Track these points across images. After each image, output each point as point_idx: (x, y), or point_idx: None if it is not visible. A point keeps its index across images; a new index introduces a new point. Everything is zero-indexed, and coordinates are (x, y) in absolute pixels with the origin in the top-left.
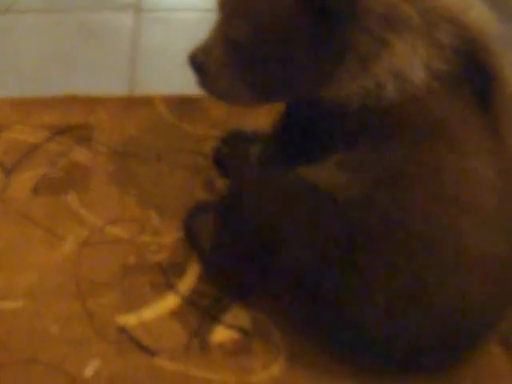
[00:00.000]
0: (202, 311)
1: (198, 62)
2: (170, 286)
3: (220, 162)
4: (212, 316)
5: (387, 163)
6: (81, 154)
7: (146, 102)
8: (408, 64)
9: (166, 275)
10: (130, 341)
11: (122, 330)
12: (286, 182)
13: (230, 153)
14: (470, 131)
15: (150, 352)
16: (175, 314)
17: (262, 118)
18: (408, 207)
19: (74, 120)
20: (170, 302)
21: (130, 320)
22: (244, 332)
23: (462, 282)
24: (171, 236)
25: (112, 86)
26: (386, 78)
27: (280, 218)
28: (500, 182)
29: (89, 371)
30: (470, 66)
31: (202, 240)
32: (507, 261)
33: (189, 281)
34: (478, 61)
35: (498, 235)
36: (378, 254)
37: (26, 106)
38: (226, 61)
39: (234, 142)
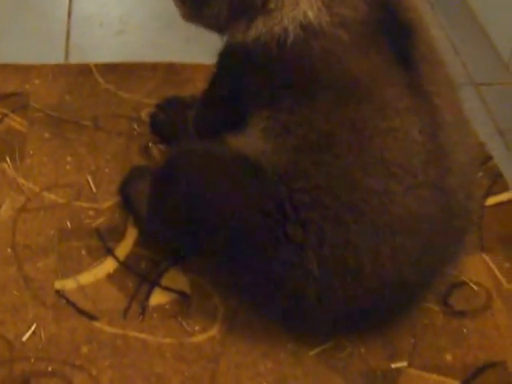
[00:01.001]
0: (140, 275)
1: None
2: (107, 251)
3: (156, 128)
4: (150, 279)
5: (309, 125)
6: (16, 122)
7: (82, 69)
8: (306, 6)
9: (102, 240)
10: (68, 305)
11: (60, 294)
12: (218, 153)
13: (166, 119)
14: (392, 89)
15: (88, 316)
16: (113, 278)
17: (199, 85)
18: (333, 172)
19: (9, 88)
20: (108, 266)
21: (67, 284)
22: (182, 294)
23: (393, 244)
24: (108, 201)
25: (48, 53)
26: (287, 21)
27: (211, 188)
28: (426, 142)
29: (26, 336)
30: (388, 21)
31: (138, 205)
32: (437, 220)
33: (126, 245)
34: (396, 15)
35: (426, 195)
36: (307, 222)
37: None
38: None
39: (171, 109)
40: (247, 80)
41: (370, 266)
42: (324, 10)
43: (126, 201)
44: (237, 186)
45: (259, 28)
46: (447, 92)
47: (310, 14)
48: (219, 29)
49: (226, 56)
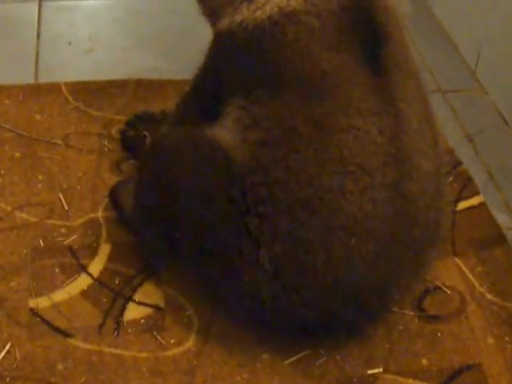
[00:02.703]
0: (114, 290)
1: None
2: (80, 268)
3: (127, 144)
4: (124, 295)
5: (275, 119)
6: None
7: (52, 88)
8: None
9: (76, 257)
10: (43, 323)
11: (34, 313)
12: (196, 139)
13: (136, 135)
14: (358, 89)
15: (63, 333)
16: (87, 295)
17: (169, 100)
18: (291, 168)
19: None
20: (82, 282)
21: (41, 303)
22: (157, 308)
23: (346, 244)
24: (80, 218)
25: (17, 74)
26: (270, 7)
27: (184, 171)
28: (386, 145)
29: (1, 355)
30: (362, 21)
31: (125, 205)
32: (394, 224)
33: (99, 261)
34: (370, 17)
35: (382, 197)
36: (263, 216)
37: None
38: None
39: (141, 124)
40: (229, 64)
41: (323, 265)
42: (303, 0)
43: (115, 204)
44: (208, 172)
45: (243, 13)
46: (416, 101)
47: (292, 3)
48: (216, 15)
49: (214, 42)
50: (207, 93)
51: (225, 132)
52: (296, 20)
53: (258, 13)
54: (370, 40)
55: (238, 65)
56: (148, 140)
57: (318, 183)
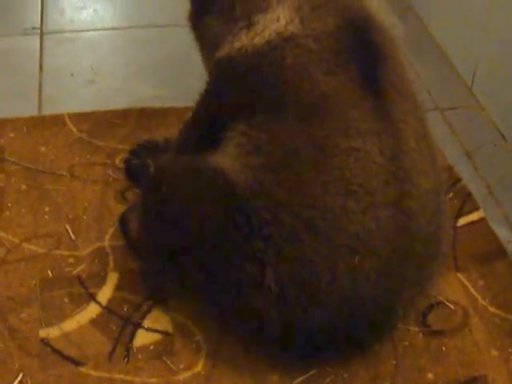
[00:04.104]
0: (123, 318)
1: None
2: (89, 296)
3: (132, 173)
4: (133, 321)
5: (276, 142)
6: None
7: (56, 120)
8: (286, 21)
9: (84, 286)
10: (54, 353)
11: (45, 342)
12: (199, 166)
13: (140, 163)
14: (357, 110)
15: (74, 362)
16: (97, 323)
17: (171, 128)
18: (293, 190)
19: None
20: (91, 311)
21: (52, 333)
22: (166, 334)
23: (350, 263)
24: (88, 248)
25: (21, 107)
26: (268, 33)
27: (189, 198)
28: (386, 164)
29: None
30: (358, 42)
31: (133, 234)
32: (396, 241)
33: (108, 290)
34: (366, 37)
35: (384, 215)
36: (269, 239)
37: None
38: None
39: (145, 153)
40: (229, 90)
41: (328, 284)
42: (300, 24)
43: (123, 229)
44: (211, 198)
45: (242, 40)
46: (414, 121)
47: (290, 28)
48: (215, 45)
49: (214, 69)
50: (209, 119)
51: (227, 158)
52: (294, 43)
53: (257, 38)
54: (367, 60)
55: (238, 90)
56: (152, 168)
57: (320, 204)
